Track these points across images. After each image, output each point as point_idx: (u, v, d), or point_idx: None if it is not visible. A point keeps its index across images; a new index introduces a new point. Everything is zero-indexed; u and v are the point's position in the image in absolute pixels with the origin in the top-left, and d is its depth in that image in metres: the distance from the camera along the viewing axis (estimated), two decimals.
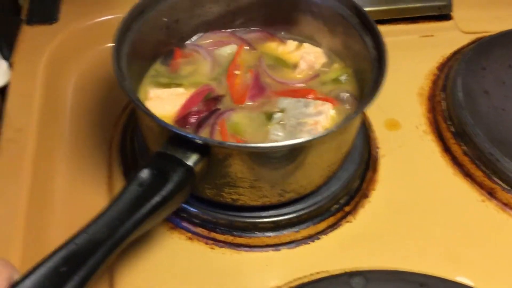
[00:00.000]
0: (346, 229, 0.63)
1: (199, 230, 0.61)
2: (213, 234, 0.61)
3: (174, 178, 0.49)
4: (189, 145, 0.51)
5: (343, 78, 0.66)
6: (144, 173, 0.49)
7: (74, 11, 0.82)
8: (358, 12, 0.64)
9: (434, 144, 0.71)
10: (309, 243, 0.61)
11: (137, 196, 0.48)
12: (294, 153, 0.54)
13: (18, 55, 0.75)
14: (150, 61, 0.66)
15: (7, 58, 0.73)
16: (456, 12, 0.88)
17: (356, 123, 0.60)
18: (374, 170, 0.68)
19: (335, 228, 0.62)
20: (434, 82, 0.78)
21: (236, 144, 0.54)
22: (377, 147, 0.70)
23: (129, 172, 0.66)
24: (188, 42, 0.69)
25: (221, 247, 0.60)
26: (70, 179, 0.66)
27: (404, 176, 0.68)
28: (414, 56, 0.82)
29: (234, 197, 0.57)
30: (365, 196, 0.65)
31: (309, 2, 0.66)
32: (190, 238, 0.61)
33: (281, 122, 0.60)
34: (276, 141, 0.59)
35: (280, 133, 0.59)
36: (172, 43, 0.68)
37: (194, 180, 0.51)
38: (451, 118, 0.72)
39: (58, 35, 0.79)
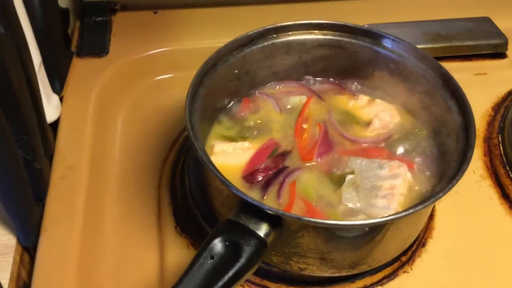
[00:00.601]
0: (403, 280, 0.60)
1: (251, 277, 0.59)
2: (265, 282, 0.59)
3: (247, 251, 0.47)
4: (262, 215, 0.49)
5: (419, 139, 0.63)
6: (216, 244, 0.47)
7: (124, 44, 0.82)
8: (443, 74, 0.61)
9: (492, 190, 0.69)
10: None
11: (209, 270, 0.46)
12: (373, 228, 0.52)
13: (69, 89, 0.75)
14: (217, 112, 0.65)
15: (58, 92, 0.73)
16: (511, 51, 0.86)
17: None
18: (431, 217, 0.66)
19: (392, 279, 0.60)
20: (490, 124, 0.76)
21: (315, 220, 0.51)
22: None
23: (180, 213, 0.65)
24: (256, 91, 0.68)
25: None
26: (120, 217, 0.65)
27: (462, 223, 0.66)
28: (468, 94, 0.79)
29: (302, 266, 0.55)
30: (422, 245, 0.63)
31: (386, 58, 0.64)
32: (241, 285, 0.59)
33: (354, 185, 0.58)
34: (349, 206, 0.57)
35: (353, 198, 0.57)
36: (240, 93, 0.67)
37: (267, 252, 0.49)
38: (510, 163, 0.69)
39: (108, 68, 0.79)
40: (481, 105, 0.79)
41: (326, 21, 0.65)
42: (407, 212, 0.50)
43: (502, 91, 0.81)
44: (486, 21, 0.87)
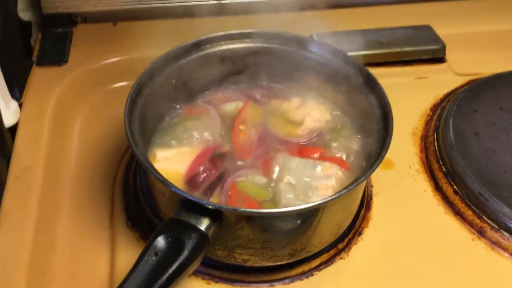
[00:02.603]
0: (339, 266, 0.64)
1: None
2: (209, 270, 0.63)
3: (189, 244, 0.50)
4: (202, 210, 0.53)
5: (347, 134, 0.68)
6: (159, 242, 0.50)
7: (83, 54, 0.87)
8: (363, 72, 0.66)
9: (426, 183, 0.73)
10: (303, 279, 0.63)
11: (154, 266, 0.49)
12: (305, 215, 0.56)
13: (28, 95, 0.79)
14: (158, 121, 0.68)
15: (18, 98, 0.77)
16: (449, 55, 0.92)
17: (364, 183, 0.62)
18: (368, 208, 0.70)
19: (329, 265, 0.64)
20: (427, 123, 0.81)
21: (249, 210, 0.55)
22: (371, 186, 0.72)
23: (131, 209, 0.69)
24: (195, 99, 0.72)
25: (217, 282, 0.62)
26: (74, 214, 0.69)
27: (397, 214, 0.70)
28: (409, 97, 0.85)
29: (245, 257, 0.58)
30: (359, 233, 0.67)
31: (314, 61, 0.69)
32: None
33: (291, 184, 0.62)
34: (288, 203, 0.60)
35: (291, 195, 0.61)
36: (179, 102, 0.70)
37: (208, 245, 0.52)
38: (443, 158, 0.74)
39: (67, 76, 0.83)
40: (420, 106, 0.84)
41: (254, 30, 0.70)
42: (334, 197, 0.54)
43: (440, 93, 0.86)
44: (427, 29, 0.93)
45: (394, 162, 0.76)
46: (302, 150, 0.66)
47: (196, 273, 0.62)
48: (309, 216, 0.56)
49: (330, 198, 0.54)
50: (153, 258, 0.50)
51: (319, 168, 0.63)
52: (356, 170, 0.65)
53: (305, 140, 0.68)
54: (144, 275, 0.49)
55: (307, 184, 0.62)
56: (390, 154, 0.75)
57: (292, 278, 0.63)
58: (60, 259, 0.64)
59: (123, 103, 0.83)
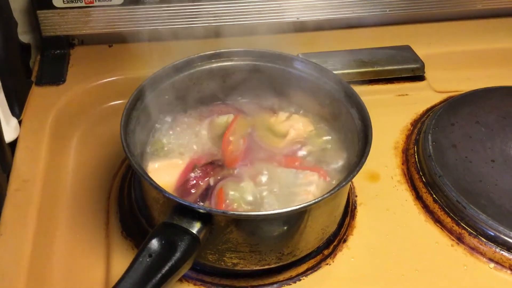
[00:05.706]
0: (325, 271, 0.67)
1: (188, 272, 0.65)
2: (201, 275, 0.66)
3: (182, 246, 0.54)
4: (194, 215, 0.56)
5: (329, 145, 0.72)
6: (153, 244, 0.54)
7: (80, 74, 0.91)
8: (344, 87, 0.70)
9: (408, 193, 0.77)
10: (290, 284, 0.66)
11: (148, 266, 0.53)
12: (290, 218, 0.59)
13: (28, 113, 0.83)
14: (151, 133, 0.72)
15: (18, 115, 0.80)
16: (429, 74, 0.96)
17: (346, 189, 0.66)
18: (352, 217, 0.73)
19: (315, 270, 0.67)
20: (408, 137, 0.85)
21: (237, 213, 0.59)
22: (355, 196, 0.76)
23: (126, 220, 0.72)
24: (187, 113, 0.76)
25: (208, 287, 0.65)
26: (71, 225, 0.72)
27: (380, 222, 0.73)
28: (391, 113, 0.90)
29: (235, 261, 0.61)
30: (344, 241, 0.70)
31: (299, 78, 0.73)
32: (179, 280, 0.65)
33: (275, 191, 0.66)
34: (271, 209, 0.64)
35: (274, 202, 0.64)
36: (172, 115, 0.74)
37: (200, 247, 0.56)
38: (422, 170, 0.78)
39: (64, 95, 0.87)
40: (402, 121, 0.88)
41: (242, 48, 0.75)
42: (318, 199, 0.58)
43: (420, 109, 0.91)
44: (407, 49, 0.98)
45: (377, 174, 0.79)
46: (285, 160, 0.70)
47: (188, 279, 0.65)
48: (295, 219, 0.60)
49: (315, 201, 0.57)
50: (147, 259, 0.53)
51: (300, 176, 0.67)
52: (337, 179, 0.68)
53: (288, 150, 0.72)
54: (138, 275, 0.52)
55: (289, 191, 0.66)
56: (372, 166, 0.80)
57: (280, 283, 0.66)
58: (58, 267, 0.67)
59: (118, 120, 0.86)
